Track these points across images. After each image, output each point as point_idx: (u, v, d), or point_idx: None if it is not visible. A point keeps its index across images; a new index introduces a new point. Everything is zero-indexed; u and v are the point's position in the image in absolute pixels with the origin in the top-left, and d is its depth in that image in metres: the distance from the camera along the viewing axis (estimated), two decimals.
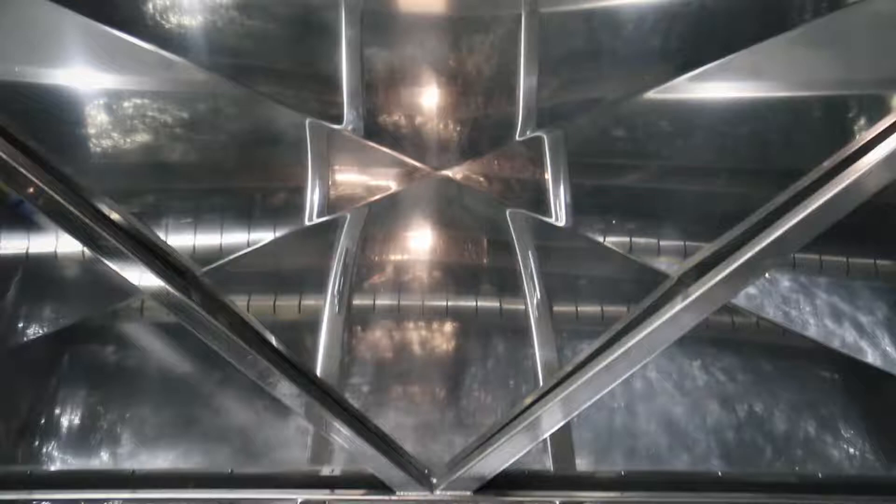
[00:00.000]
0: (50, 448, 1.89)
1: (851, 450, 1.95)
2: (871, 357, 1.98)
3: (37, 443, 1.89)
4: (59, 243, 1.99)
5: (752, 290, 2.03)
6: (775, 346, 2.07)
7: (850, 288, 2.06)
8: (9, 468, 1.86)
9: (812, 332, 2.01)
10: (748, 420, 1.98)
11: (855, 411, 1.99)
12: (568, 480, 1.81)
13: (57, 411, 1.93)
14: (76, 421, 1.92)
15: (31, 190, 1.55)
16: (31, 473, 1.82)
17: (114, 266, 1.60)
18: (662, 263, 2.00)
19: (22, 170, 1.51)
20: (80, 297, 2.01)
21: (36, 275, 2.00)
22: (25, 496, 1.70)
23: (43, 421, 1.92)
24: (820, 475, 1.88)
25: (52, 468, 1.88)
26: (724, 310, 2.03)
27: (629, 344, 1.59)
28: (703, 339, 2.07)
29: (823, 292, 2.06)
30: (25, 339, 1.96)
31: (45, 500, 1.71)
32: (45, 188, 1.53)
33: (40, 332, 1.96)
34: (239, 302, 1.87)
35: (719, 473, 1.87)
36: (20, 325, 1.96)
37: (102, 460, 1.89)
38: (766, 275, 2.04)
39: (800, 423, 1.98)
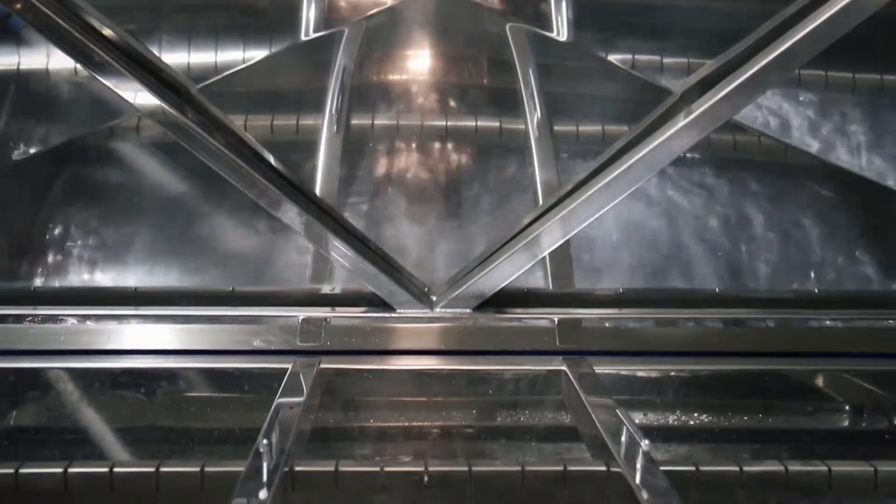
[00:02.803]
0: (53, 265, 1.90)
1: (848, 266, 1.96)
2: (872, 173, 1.97)
3: (40, 260, 1.91)
4: (50, 60, 1.95)
5: (755, 106, 2.01)
6: (777, 164, 2.06)
7: (854, 104, 2.03)
8: (13, 284, 1.88)
9: (814, 148, 2.00)
10: (747, 237, 1.98)
11: (853, 228, 1.99)
12: (566, 298, 1.83)
13: (58, 230, 1.93)
14: (77, 239, 1.93)
15: (20, 4, 1.51)
16: (35, 290, 1.84)
17: (107, 83, 1.58)
18: (665, 80, 1.97)
19: None
20: (73, 115, 1.98)
21: (28, 91, 1.97)
22: (30, 311, 1.72)
23: (45, 239, 1.92)
24: (816, 290, 1.90)
25: (56, 285, 1.89)
26: (727, 128, 2.01)
27: (630, 162, 1.58)
28: (704, 158, 2.05)
29: (828, 108, 2.03)
30: (21, 157, 1.94)
31: (49, 316, 1.73)
32: (34, 2, 1.49)
33: (35, 150, 1.95)
34: (236, 122, 1.85)
35: (717, 290, 1.89)
36: (14, 142, 1.94)
37: (104, 278, 1.90)
38: (770, 91, 2.01)
39: (797, 241, 1.99)
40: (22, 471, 1.23)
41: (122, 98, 1.59)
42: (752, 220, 2.00)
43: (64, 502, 1.24)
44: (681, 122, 1.54)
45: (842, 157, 1.99)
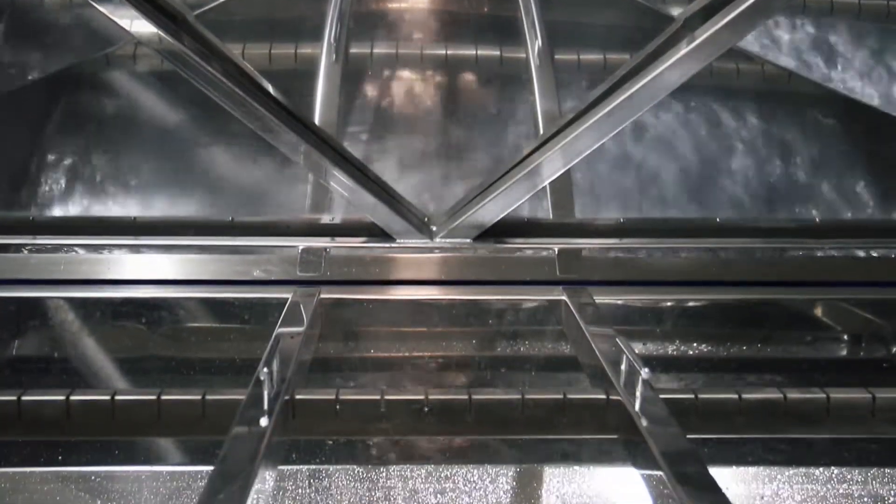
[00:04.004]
0: (51, 195, 1.90)
1: (850, 194, 1.96)
2: (876, 100, 1.96)
3: (38, 190, 1.90)
4: None
5: (759, 33, 1.99)
6: (780, 92, 2.04)
7: (861, 30, 2.01)
8: (12, 213, 1.87)
9: (819, 76, 1.98)
10: (748, 166, 1.98)
11: (855, 156, 1.99)
12: (567, 228, 1.82)
13: (56, 159, 1.93)
14: (75, 169, 1.92)
15: None
16: (34, 219, 1.84)
17: (103, 9, 1.55)
18: (668, 7, 1.94)
19: None
20: (69, 42, 1.97)
21: (23, 18, 1.95)
22: (29, 241, 1.72)
23: (43, 168, 1.92)
24: (818, 220, 1.90)
25: (54, 214, 1.89)
26: (730, 55, 1.99)
27: (631, 90, 1.57)
28: (707, 86, 2.04)
29: (834, 35, 2.01)
30: (16, 85, 1.93)
31: (49, 245, 1.73)
32: None
33: (31, 77, 1.93)
34: (234, 50, 1.83)
35: (717, 220, 1.88)
36: (10, 70, 1.93)
37: (103, 207, 1.90)
38: (775, 17, 1.99)
39: (799, 169, 1.98)
40: (24, 398, 1.24)
41: (118, 25, 1.57)
42: (753, 148, 1.99)
43: (66, 429, 1.25)
44: (683, 49, 1.52)
45: (847, 84, 1.98)
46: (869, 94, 1.97)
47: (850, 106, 1.98)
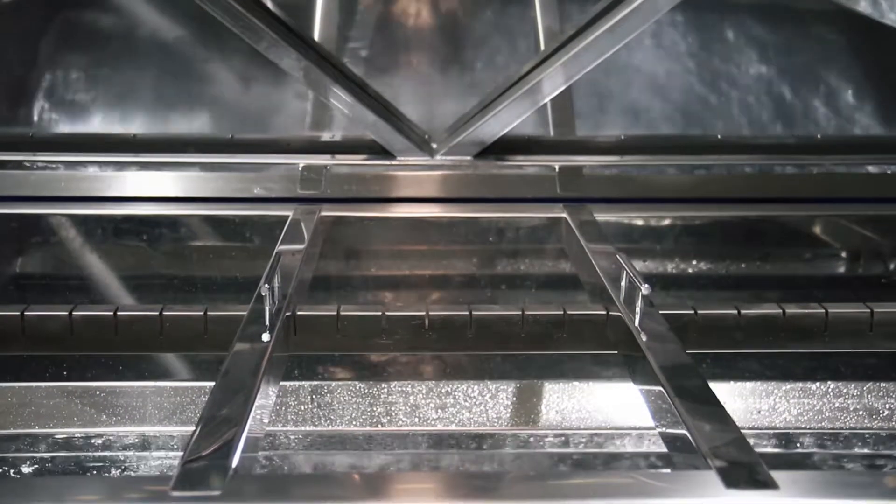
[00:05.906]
0: (50, 111, 1.89)
1: (851, 110, 1.95)
2: (882, 14, 1.94)
3: (37, 106, 1.89)
4: None
5: None
6: (783, 6, 2.02)
7: None
8: (11, 130, 1.86)
9: None
10: (750, 83, 1.96)
11: (857, 71, 1.97)
12: (567, 145, 1.82)
13: (56, 76, 1.91)
14: (75, 86, 1.91)
15: None
16: (34, 135, 1.83)
17: None
18: None
19: None
20: None
21: None
22: (29, 157, 1.71)
23: (42, 84, 1.90)
24: (819, 136, 1.89)
25: (54, 131, 1.88)
26: None
27: (633, 5, 1.55)
28: (711, 2, 2.01)
29: None
30: None
31: (49, 162, 1.72)
32: None
33: None
34: None
35: (718, 137, 1.87)
36: None
37: (103, 124, 1.89)
38: None
39: (800, 85, 1.96)
40: (27, 313, 1.24)
41: None
42: (755, 64, 1.97)
43: (69, 344, 1.25)
44: None
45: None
46: (877, 8, 1.95)
47: (852, 20, 1.95)
